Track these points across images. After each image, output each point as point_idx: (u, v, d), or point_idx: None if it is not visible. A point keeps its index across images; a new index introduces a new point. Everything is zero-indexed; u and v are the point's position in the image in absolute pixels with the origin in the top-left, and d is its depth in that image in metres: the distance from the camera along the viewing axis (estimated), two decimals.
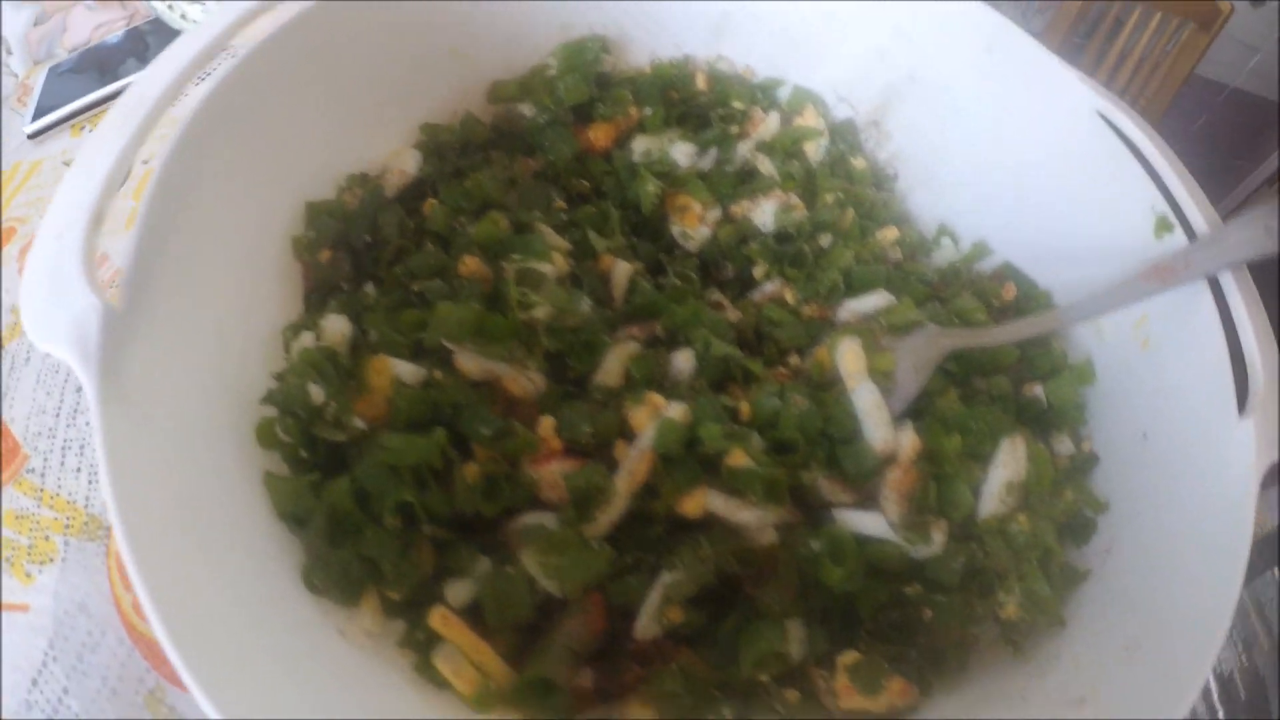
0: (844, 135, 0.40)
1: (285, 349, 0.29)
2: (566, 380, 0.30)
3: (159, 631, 0.19)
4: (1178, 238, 0.31)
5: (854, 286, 0.35)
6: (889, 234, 0.37)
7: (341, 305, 0.30)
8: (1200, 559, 0.25)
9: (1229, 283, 0.29)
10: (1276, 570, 0.35)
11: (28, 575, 0.34)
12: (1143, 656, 0.24)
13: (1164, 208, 0.32)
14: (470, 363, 0.28)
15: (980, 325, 0.34)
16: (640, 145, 0.37)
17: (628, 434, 0.28)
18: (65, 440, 0.38)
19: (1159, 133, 0.34)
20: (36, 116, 0.54)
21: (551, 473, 0.27)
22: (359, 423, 0.27)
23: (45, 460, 0.37)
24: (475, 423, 0.27)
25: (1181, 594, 0.25)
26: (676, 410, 0.28)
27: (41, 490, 0.36)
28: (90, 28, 0.62)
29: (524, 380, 0.28)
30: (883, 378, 0.30)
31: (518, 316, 0.29)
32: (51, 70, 0.57)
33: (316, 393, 0.27)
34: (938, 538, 0.27)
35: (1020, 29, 0.35)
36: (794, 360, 0.33)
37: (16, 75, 0.64)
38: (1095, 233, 0.35)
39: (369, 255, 0.32)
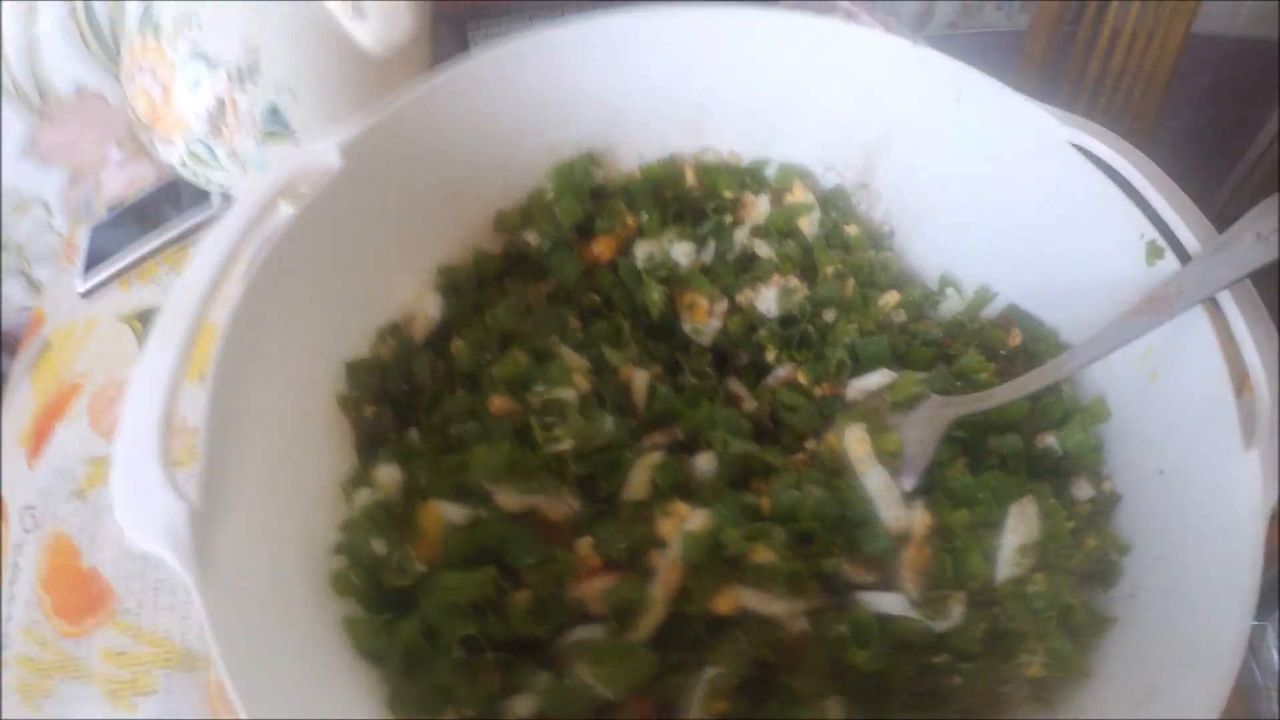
0: (835, 203, 0.43)
1: (346, 500, 0.34)
2: (598, 498, 0.34)
3: None
4: (1170, 263, 0.33)
5: (860, 359, 0.38)
6: (890, 299, 0.40)
7: (390, 454, 0.34)
8: (1212, 597, 0.27)
9: (1228, 303, 0.30)
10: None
11: (132, 705, 0.39)
12: (1161, 700, 0.26)
13: (1152, 234, 0.33)
14: (509, 499, 0.32)
15: (982, 385, 0.36)
16: (642, 251, 0.41)
17: (658, 543, 0.32)
18: (157, 582, 0.43)
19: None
20: (86, 275, 0.59)
21: (593, 589, 0.31)
22: (419, 566, 0.31)
23: (139, 601, 0.43)
24: (520, 553, 0.31)
25: (1196, 633, 0.27)
26: (698, 521, 0.31)
27: (139, 630, 0.42)
28: (124, 183, 0.68)
29: (560, 506, 0.33)
30: (890, 458, 0.33)
31: (545, 452, 0.33)
32: (94, 229, 0.63)
33: (379, 545, 0.31)
34: (956, 610, 0.30)
35: (981, 73, 0.38)
36: (810, 444, 0.36)
37: (61, 234, 0.71)
38: (1090, 265, 0.36)
39: (408, 403, 0.37)
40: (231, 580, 0.26)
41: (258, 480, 0.30)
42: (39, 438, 0.50)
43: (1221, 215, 1.49)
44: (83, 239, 0.62)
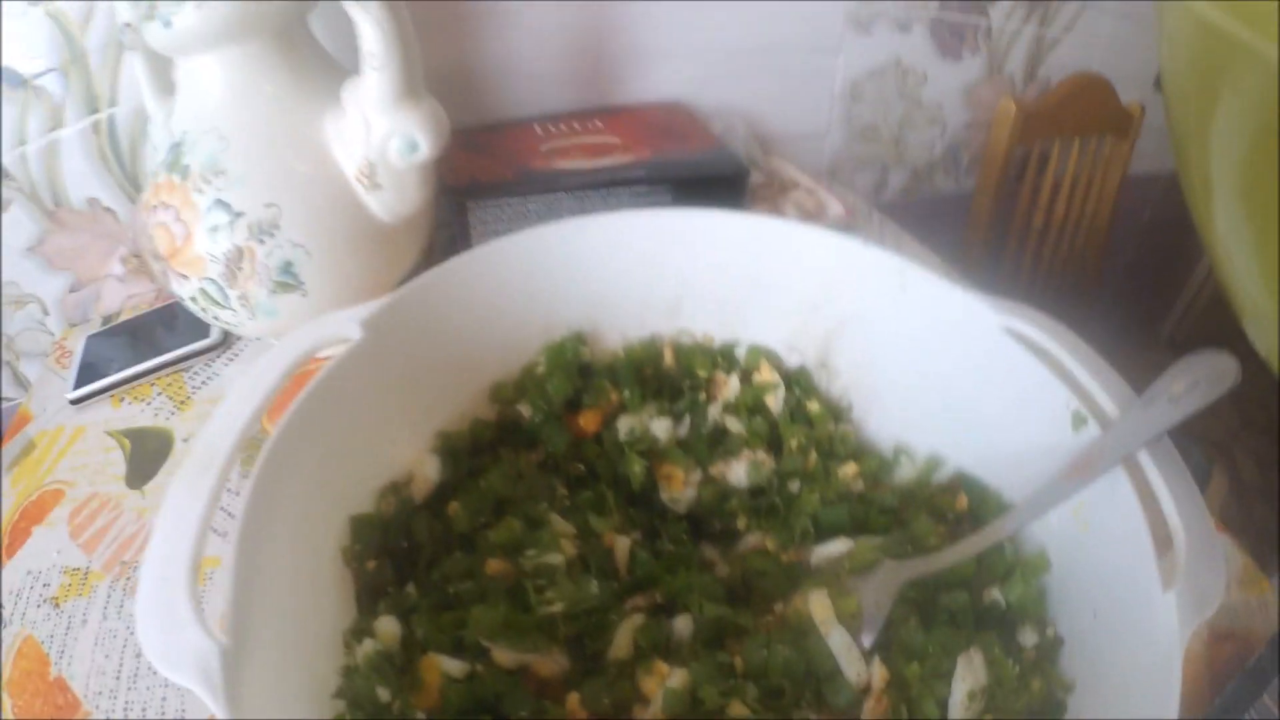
0: (799, 381, 0.49)
1: (345, 648, 0.37)
2: (585, 656, 0.38)
3: None
4: (1093, 429, 0.38)
5: (821, 527, 0.43)
6: (849, 470, 0.45)
7: (389, 606, 0.38)
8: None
9: (1147, 459, 0.35)
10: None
11: None
12: None
13: (1076, 404, 0.39)
14: (504, 655, 0.36)
15: (932, 549, 0.41)
16: (624, 425, 0.46)
17: (642, 699, 0.35)
18: (127, 703, 0.43)
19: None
20: (78, 383, 0.62)
21: None
22: (420, 715, 0.34)
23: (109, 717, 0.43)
24: (514, 706, 0.34)
25: None
26: (677, 679, 0.35)
27: None
28: (122, 297, 0.72)
29: (550, 663, 0.36)
30: (850, 619, 0.37)
31: (538, 613, 0.37)
32: (90, 338, 0.66)
33: (384, 694, 0.34)
34: None
35: (924, 267, 0.44)
36: (778, 607, 0.40)
37: (53, 335, 0.73)
38: (1024, 434, 0.42)
39: (407, 559, 0.41)
40: (252, 711, 0.28)
41: (273, 626, 0.33)
42: (15, 537, 0.52)
43: (1171, 340, 1.60)
44: (78, 346, 0.65)
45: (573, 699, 0.35)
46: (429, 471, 0.42)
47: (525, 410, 0.45)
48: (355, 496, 0.41)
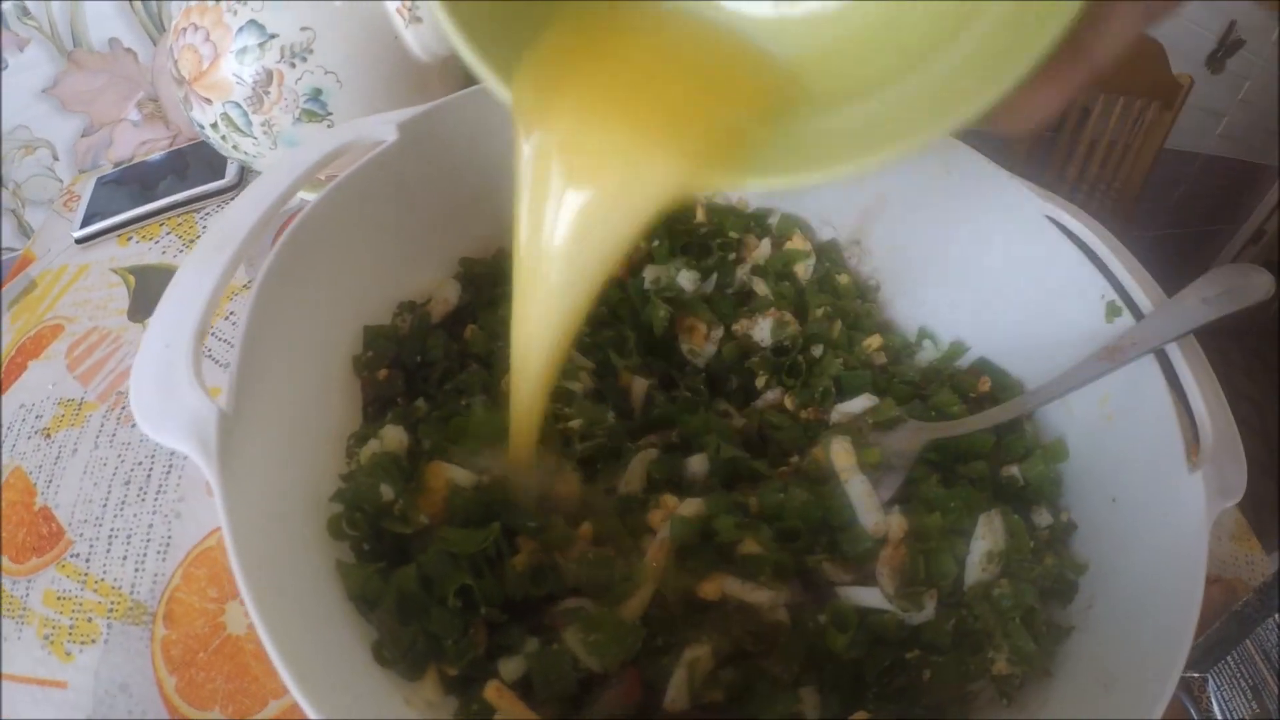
0: (829, 254, 0.48)
1: (347, 454, 0.36)
2: (597, 484, 0.37)
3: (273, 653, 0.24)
4: (1127, 320, 0.38)
5: (844, 391, 0.42)
6: (873, 341, 0.45)
7: (397, 417, 0.37)
8: (1166, 598, 0.31)
9: (1176, 354, 0.35)
10: (1278, 616, 0.40)
11: (67, 654, 0.38)
12: (1118, 690, 0.30)
13: (1112, 295, 0.39)
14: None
15: (954, 418, 0.41)
16: (650, 274, 0.45)
17: (651, 530, 0.35)
18: (112, 530, 0.43)
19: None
20: (85, 223, 0.61)
21: (587, 558, 0.33)
22: (423, 518, 0.33)
23: (91, 546, 0.42)
24: (522, 517, 0.33)
25: (1150, 631, 0.31)
26: (690, 507, 0.34)
27: (86, 575, 0.41)
28: (135, 143, 0.71)
29: (562, 482, 0.35)
30: (871, 469, 0.37)
31: (554, 427, 0.35)
32: (99, 180, 0.65)
33: (387, 491, 0.33)
34: (929, 604, 0.33)
35: (971, 149, 0.44)
36: (794, 460, 0.40)
37: (62, 181, 0.72)
38: (1056, 324, 0.42)
39: (419, 374, 0.39)
40: (245, 484, 0.27)
41: (277, 411, 0.32)
42: (10, 372, 0.51)
43: None
44: (85, 189, 0.64)
45: (585, 528, 0.34)
46: (449, 294, 0.41)
47: None
48: (371, 307, 0.40)
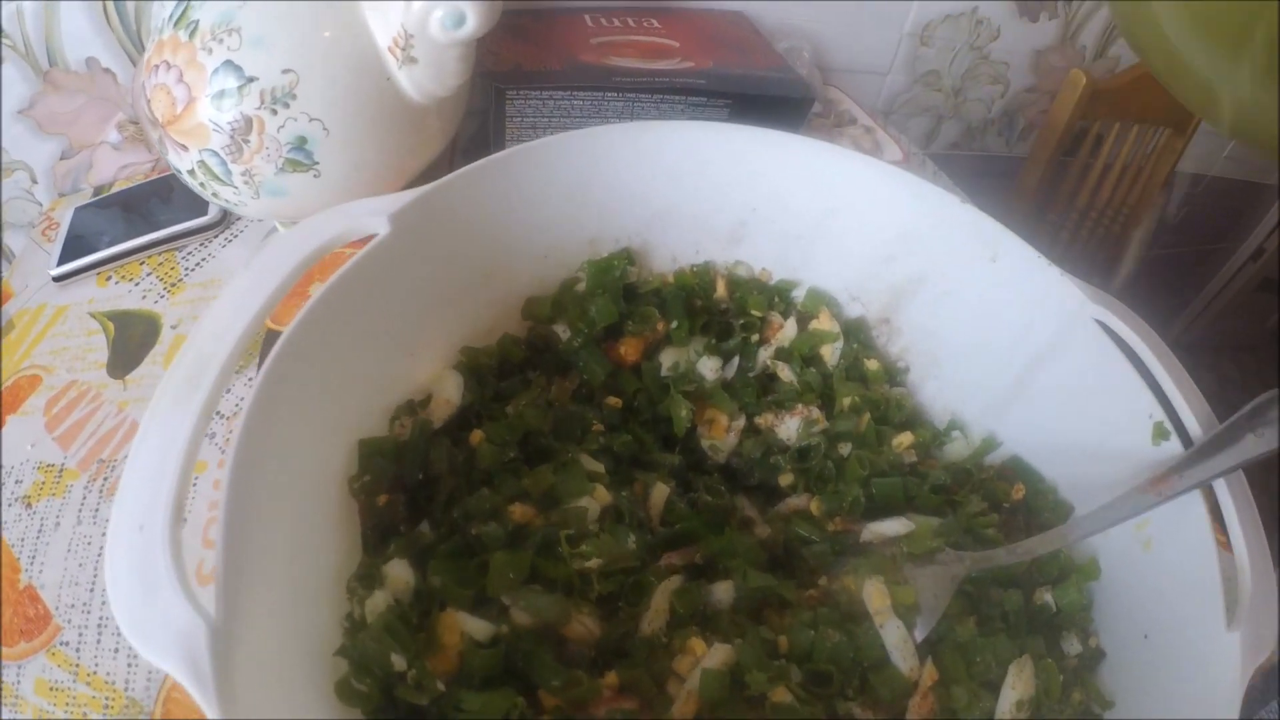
0: (857, 334, 0.44)
1: (349, 597, 0.32)
2: (615, 616, 0.33)
3: None
4: (1174, 444, 0.35)
5: (874, 499, 0.39)
6: (904, 440, 0.41)
7: (401, 548, 0.33)
8: None
9: (1223, 491, 0.32)
10: (1278, 702, 0.38)
11: None
12: None
13: (1160, 415, 0.36)
14: (524, 616, 0.31)
15: (989, 539, 0.38)
16: (668, 359, 0.41)
17: (677, 676, 0.32)
18: (101, 618, 0.39)
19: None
20: (63, 257, 0.55)
21: (613, 715, 0.30)
22: (440, 685, 0.29)
23: (80, 635, 0.39)
24: (546, 673, 0.30)
25: None
26: (718, 655, 0.31)
27: (78, 666, 0.38)
28: (116, 167, 0.64)
29: (579, 626, 0.32)
30: (906, 610, 0.34)
31: (570, 566, 0.32)
32: (78, 210, 0.59)
33: (399, 661, 0.29)
34: None
35: (1022, 240, 0.39)
36: (823, 582, 0.36)
37: (40, 205, 0.65)
38: (1097, 432, 0.38)
39: (422, 492, 0.35)
40: (246, 699, 0.23)
41: (269, 582, 0.27)
42: None
43: (1178, 342, 1.56)
44: (64, 217, 0.58)
45: (610, 678, 0.30)
46: (450, 391, 0.36)
47: (562, 331, 0.40)
48: (365, 417, 0.35)
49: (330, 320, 0.31)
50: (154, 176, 0.61)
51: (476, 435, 0.36)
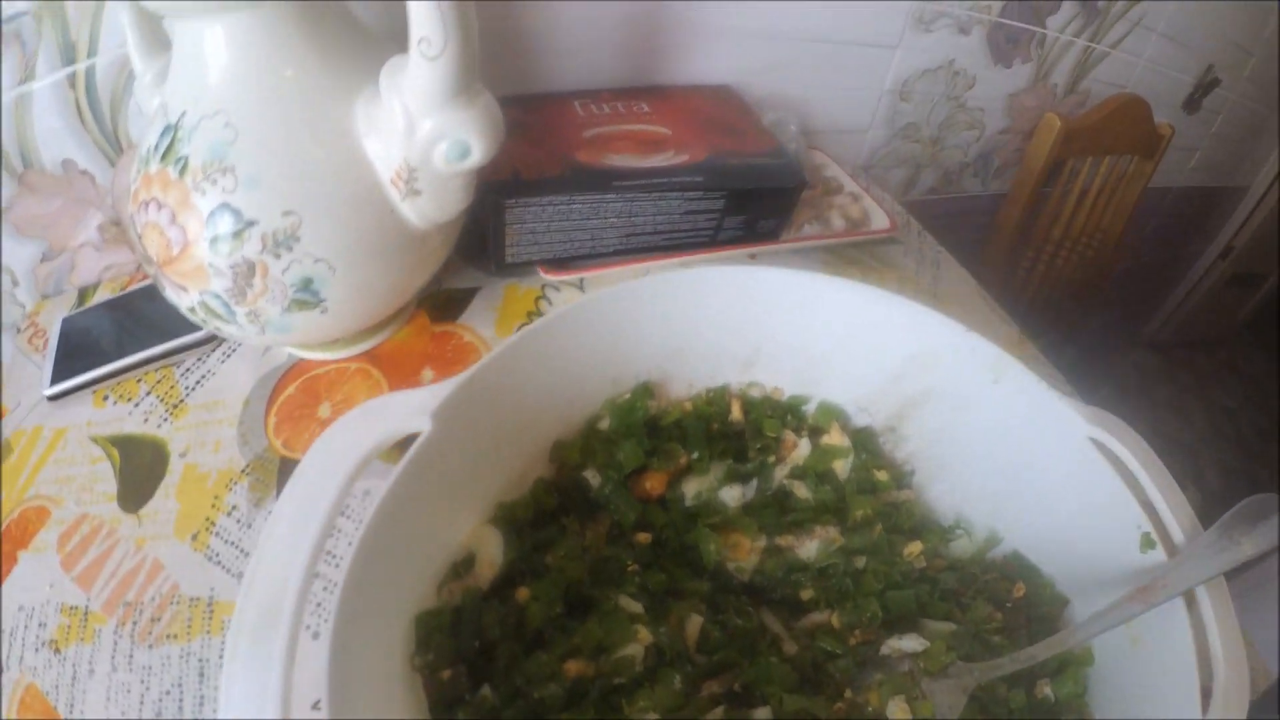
0: (865, 444, 0.47)
1: None
2: None
3: None
4: (1159, 554, 0.38)
5: (890, 611, 0.42)
6: (914, 549, 0.44)
7: (470, 717, 0.35)
8: None
9: (1203, 595, 0.36)
10: None
11: None
12: None
13: (1148, 527, 0.39)
14: None
15: (995, 644, 0.41)
16: (690, 489, 0.43)
17: None
18: None
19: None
20: (55, 377, 0.54)
21: None
22: None
23: None
24: None
25: None
26: None
27: None
28: (99, 268, 0.63)
29: None
30: None
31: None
32: (66, 319, 0.58)
33: None
34: None
35: (1024, 366, 0.42)
36: (849, 695, 0.39)
37: (24, 307, 0.64)
38: (1089, 538, 0.41)
39: (481, 656, 0.37)
40: None
41: None
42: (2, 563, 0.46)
43: (1150, 341, 1.62)
44: (53, 330, 0.56)
45: None
46: (492, 551, 0.38)
47: (593, 479, 0.42)
48: (415, 587, 0.36)
49: (387, 524, 0.32)
50: (141, 281, 0.60)
51: (523, 593, 0.38)
